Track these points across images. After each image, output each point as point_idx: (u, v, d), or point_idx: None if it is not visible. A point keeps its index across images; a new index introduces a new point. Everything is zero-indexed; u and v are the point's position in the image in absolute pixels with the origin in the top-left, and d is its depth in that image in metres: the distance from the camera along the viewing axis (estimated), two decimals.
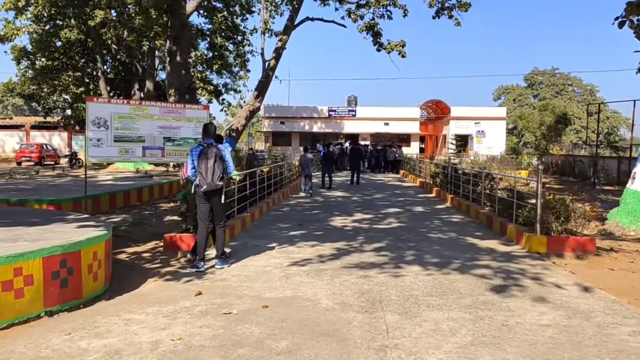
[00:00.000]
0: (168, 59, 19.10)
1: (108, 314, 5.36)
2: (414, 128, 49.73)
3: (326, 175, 21.02)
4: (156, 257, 8.75)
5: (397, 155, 31.81)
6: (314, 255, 8.26)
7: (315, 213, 13.47)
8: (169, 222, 12.32)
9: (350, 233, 10.40)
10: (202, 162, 7.00)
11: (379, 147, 34.05)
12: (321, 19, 27.82)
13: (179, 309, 5.48)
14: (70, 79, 32.90)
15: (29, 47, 32.90)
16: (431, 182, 20.52)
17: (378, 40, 21.63)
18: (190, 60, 23.04)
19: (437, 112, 52.93)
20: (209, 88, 28.55)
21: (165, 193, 19.20)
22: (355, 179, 22.33)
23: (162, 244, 9.11)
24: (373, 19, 21.72)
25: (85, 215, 7.50)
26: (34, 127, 50.28)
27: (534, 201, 9.35)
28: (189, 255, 8.38)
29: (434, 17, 20.97)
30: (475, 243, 9.41)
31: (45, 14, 31.25)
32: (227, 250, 8.37)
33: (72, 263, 5.41)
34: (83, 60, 34.42)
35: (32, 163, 36.64)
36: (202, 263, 7.51)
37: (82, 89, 32.85)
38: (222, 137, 7.89)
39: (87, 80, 33.45)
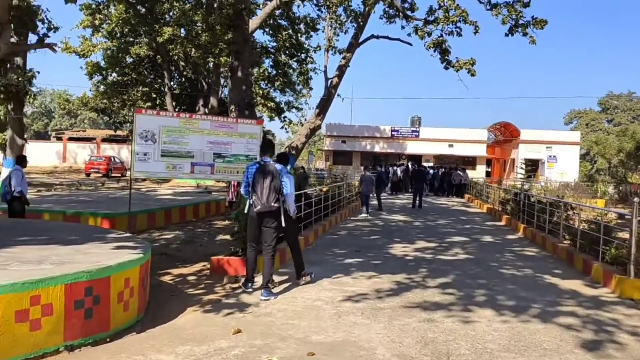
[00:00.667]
0: (230, 74, 18.89)
1: (134, 351, 4.73)
2: (480, 151, 47.88)
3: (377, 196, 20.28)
4: (201, 280, 8.17)
5: (462, 178, 30.39)
6: (371, 289, 7.41)
7: (374, 238, 12.60)
8: (221, 242, 11.81)
9: (412, 264, 9.46)
10: (258, 181, 6.56)
11: (443, 170, 32.70)
12: (386, 37, 27.11)
13: (212, 350, 4.78)
14: (138, 94, 33.68)
15: (102, 63, 34.00)
16: (500, 209, 19.17)
17: (446, 57, 20.65)
18: (252, 76, 22.85)
19: (505, 135, 50.81)
20: (270, 105, 28.32)
21: (222, 210, 18.85)
22: (417, 202, 21.25)
23: (209, 266, 8.56)
24: (441, 35, 20.81)
25: (127, 235, 7.01)
26: (105, 140, 52.10)
27: (622, 236, 8.12)
28: (235, 280, 7.80)
29: (507, 35, 19.79)
30: (556, 283, 8.26)
31: (118, 31, 32.26)
32: (275, 278, 7.68)
33: (99, 291, 4.84)
34: (151, 76, 35.23)
35: (100, 175, 37.70)
36: (250, 284, 7.05)
37: (149, 103, 33.51)
38: (286, 155, 7.23)
39: (154, 96, 34.15)
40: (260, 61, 27.52)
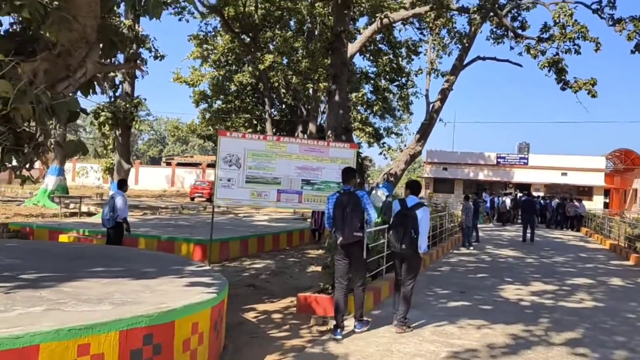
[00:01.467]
0: (327, 98, 18.40)
1: None
2: (597, 180, 43.91)
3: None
4: (287, 320, 7.39)
5: (578, 210, 27.64)
6: (482, 343, 6.22)
7: (481, 277, 11.23)
8: (312, 274, 11.05)
9: (529, 311, 8.09)
10: (338, 211, 6.15)
11: (557, 200, 30.02)
12: (494, 58, 25.53)
13: None
14: (241, 120, 34.41)
15: (208, 91, 35.23)
16: (626, 245, 16.86)
17: (563, 77, 18.83)
18: (350, 101, 22.28)
19: (626, 163, 46.32)
20: (368, 130, 27.58)
21: (316, 238, 18.21)
22: (528, 235, 19.31)
23: (296, 303, 7.79)
24: (557, 54, 19.05)
25: (206, 268, 6.40)
26: (210, 165, 54.00)
27: None
28: (322, 322, 6.95)
29: (632, 52, 17.64)
30: None
31: (223, 60, 33.35)
32: (367, 319, 6.74)
33: (160, 338, 4.16)
34: (253, 103, 35.92)
35: (203, 199, 38.78)
36: (340, 330, 6.24)
37: (250, 130, 34.09)
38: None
39: (255, 122, 34.72)
40: (359, 86, 26.93)
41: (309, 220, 21.22)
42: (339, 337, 6.20)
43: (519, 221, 25.22)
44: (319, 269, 10.49)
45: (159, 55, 20.51)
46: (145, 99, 19.82)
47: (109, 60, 7.69)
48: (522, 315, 7.76)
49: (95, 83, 7.70)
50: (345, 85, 17.35)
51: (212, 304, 4.89)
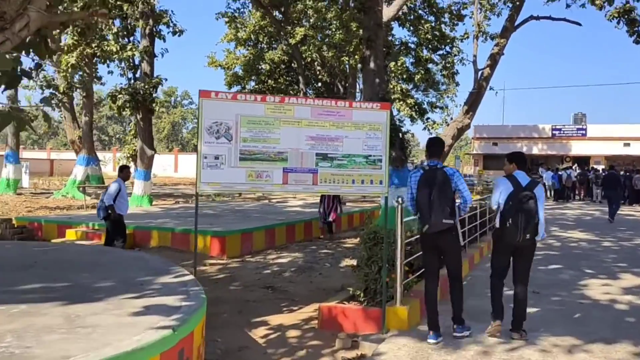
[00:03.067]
0: (360, 66, 16.44)
1: None
2: None
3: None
4: (304, 340, 5.63)
5: None
6: None
7: (554, 269, 9.12)
8: (345, 270, 9.27)
9: (631, 320, 6.03)
10: (423, 193, 5.15)
11: (624, 172, 27.07)
12: (549, 17, 22.93)
13: None
14: None
15: (240, 72, 33.67)
16: None
17: (635, 29, 16.22)
18: (387, 67, 20.13)
19: None
20: (410, 102, 25.31)
21: (355, 223, 16.38)
22: (611, 213, 16.94)
23: (318, 315, 6.01)
24: (627, 1, 16.41)
25: (186, 279, 4.68)
26: None
27: None
28: (352, 344, 5.19)
29: None
30: None
31: (253, 38, 31.68)
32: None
33: None
34: (287, 82, 34.13)
35: None
36: (436, 334, 5.17)
37: None
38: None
39: None
40: (398, 53, 24.64)
41: (348, 204, 19.33)
42: (436, 341, 5.10)
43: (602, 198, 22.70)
44: (354, 262, 8.67)
45: (177, 30, 18.99)
46: (165, 79, 18.27)
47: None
48: (623, 327, 5.73)
49: (50, 41, 6.05)
50: (381, 51, 15.30)
51: (165, 347, 3.12)
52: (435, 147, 5.40)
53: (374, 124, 5.52)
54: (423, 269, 6.79)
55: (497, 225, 5.36)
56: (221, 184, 5.14)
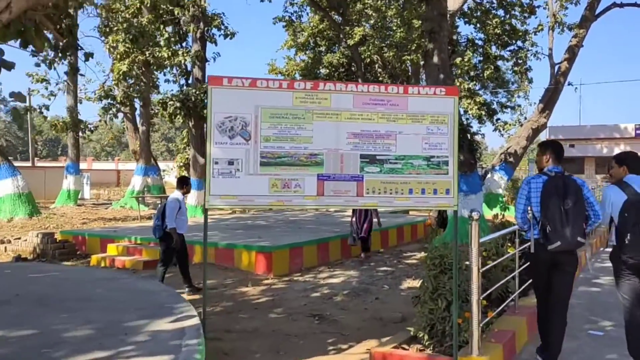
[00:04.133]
0: (423, 62, 15.06)
1: None
2: None
3: None
4: None
5: None
6: None
7: None
8: (407, 293, 7.93)
9: None
10: (553, 203, 4.27)
11: None
12: (634, 4, 20.73)
13: None
14: None
15: (297, 77, 32.91)
16: None
17: None
18: (451, 63, 18.58)
19: None
20: (479, 100, 23.46)
21: (419, 234, 14.93)
22: None
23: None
24: None
25: (195, 321, 3.50)
26: None
27: None
28: None
29: None
30: None
31: (311, 42, 30.89)
32: None
33: None
34: None
35: None
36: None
37: None
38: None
39: None
40: (464, 51, 22.96)
41: (412, 212, 17.81)
42: None
43: None
44: (417, 283, 7.32)
45: (229, 32, 18.28)
46: None
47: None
48: None
49: (43, 27, 5.13)
50: (446, 44, 13.86)
51: None
52: (557, 149, 4.62)
53: (437, 115, 4.20)
54: (505, 302, 5.41)
55: (614, 242, 4.35)
56: (237, 197, 3.96)
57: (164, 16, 16.86)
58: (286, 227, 13.74)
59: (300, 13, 29.60)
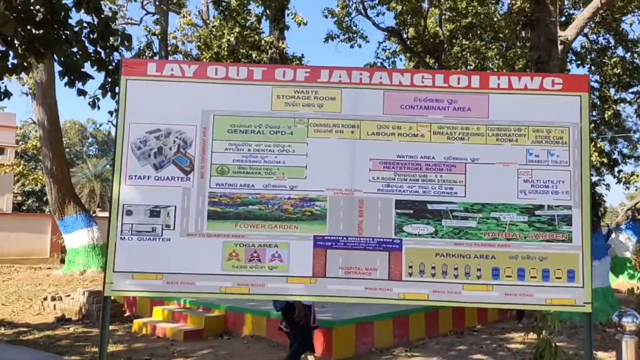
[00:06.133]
0: None
1: None
2: None
3: None
4: None
5: None
6: None
7: None
8: None
9: None
10: None
11: None
12: None
13: None
14: None
15: None
16: None
17: None
18: None
19: None
20: (598, 146, 20.36)
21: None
22: None
23: None
24: None
25: None
26: None
27: None
28: None
29: None
30: None
31: None
32: None
33: None
34: None
35: None
36: None
37: None
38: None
39: None
40: None
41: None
42: None
43: None
44: None
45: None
46: None
47: None
48: None
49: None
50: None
51: None
52: None
53: (547, 127, 2.22)
54: None
55: None
56: (163, 277, 2.19)
57: (242, 60, 16.09)
58: None
59: (393, 59, 28.32)
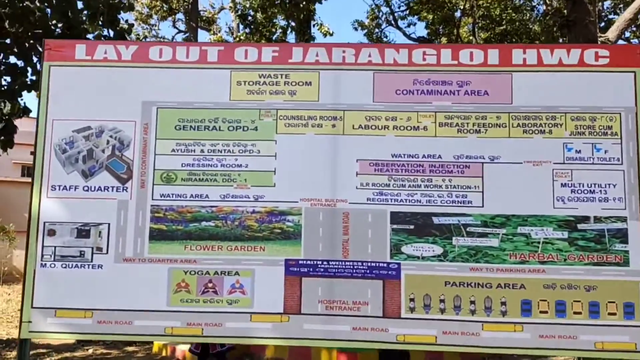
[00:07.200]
0: None
1: None
2: None
3: None
4: None
5: None
6: None
7: None
8: None
9: None
10: None
11: None
12: None
13: None
14: None
15: None
16: None
17: None
18: None
19: None
20: None
21: None
22: None
23: None
24: None
25: None
26: None
27: None
28: None
29: None
30: None
31: None
32: None
33: None
34: None
35: None
36: None
37: None
38: None
39: None
40: None
41: None
42: None
43: None
44: None
45: None
46: None
47: None
48: None
49: None
50: None
51: None
52: None
53: (590, 112, 1.68)
54: None
55: None
56: (93, 314, 1.73)
57: None
58: None
59: None
